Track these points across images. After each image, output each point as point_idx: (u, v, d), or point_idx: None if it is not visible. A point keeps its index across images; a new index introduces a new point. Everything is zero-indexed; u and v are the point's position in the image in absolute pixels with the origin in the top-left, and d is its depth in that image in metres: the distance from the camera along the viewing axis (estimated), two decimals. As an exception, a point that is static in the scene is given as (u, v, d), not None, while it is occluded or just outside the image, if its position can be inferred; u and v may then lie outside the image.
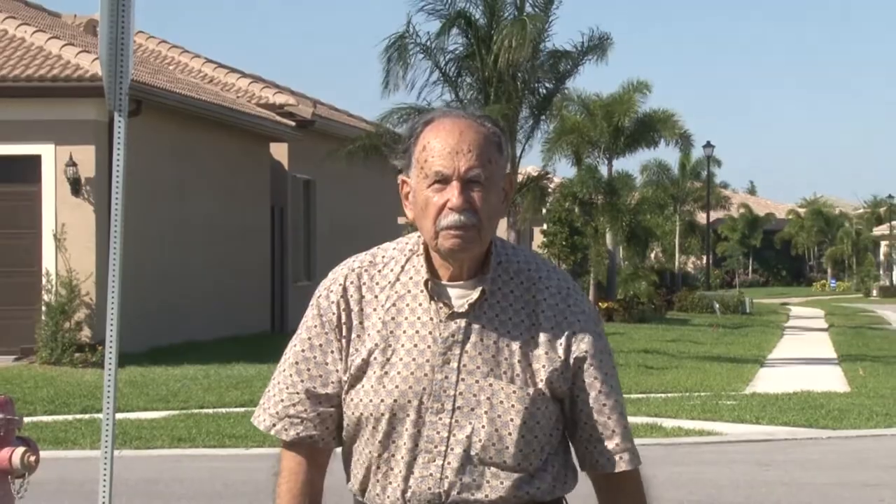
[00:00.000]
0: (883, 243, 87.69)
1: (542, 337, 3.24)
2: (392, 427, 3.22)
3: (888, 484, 12.25)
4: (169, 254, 24.74)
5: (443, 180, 3.18)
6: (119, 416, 12.30)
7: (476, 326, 3.22)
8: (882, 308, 60.75)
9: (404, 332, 3.25)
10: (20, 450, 6.57)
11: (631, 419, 14.12)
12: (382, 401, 3.22)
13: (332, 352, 3.31)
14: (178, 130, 25.27)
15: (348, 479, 3.36)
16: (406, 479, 3.22)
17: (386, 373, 3.23)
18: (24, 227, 22.47)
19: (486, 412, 3.19)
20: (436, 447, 3.20)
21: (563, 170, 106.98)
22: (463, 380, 3.20)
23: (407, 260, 3.32)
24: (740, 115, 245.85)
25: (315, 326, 3.34)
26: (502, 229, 32.11)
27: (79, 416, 16.08)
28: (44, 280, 22.16)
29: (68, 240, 22.19)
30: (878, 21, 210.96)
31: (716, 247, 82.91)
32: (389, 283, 3.30)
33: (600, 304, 41.93)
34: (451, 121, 3.24)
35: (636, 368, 24.65)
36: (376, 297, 3.29)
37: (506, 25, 28.22)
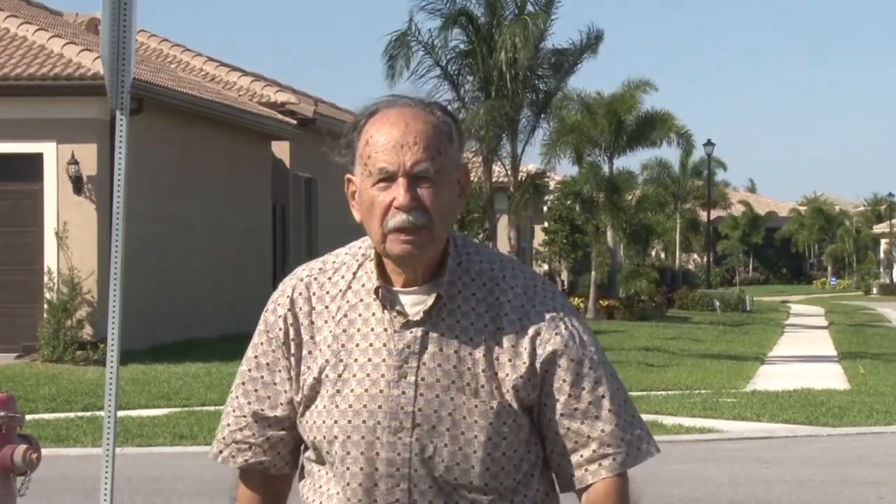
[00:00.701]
0: (883, 241, 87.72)
1: (506, 342, 2.92)
2: (347, 451, 2.92)
3: (888, 481, 12.27)
4: (170, 252, 24.77)
5: (388, 178, 2.87)
6: (120, 413, 12.33)
7: (434, 335, 2.91)
8: (882, 306, 60.75)
9: (357, 345, 2.94)
10: (22, 447, 6.59)
11: (631, 417, 13.63)
12: (336, 422, 2.92)
13: (280, 371, 3.03)
14: (180, 129, 25.29)
15: None
16: None
17: (338, 391, 2.93)
18: (26, 225, 22.50)
19: (448, 429, 2.89)
20: (398, 470, 2.90)
21: (564, 169, 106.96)
22: (422, 395, 2.89)
23: (359, 266, 3.01)
24: (741, 114, 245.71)
25: (262, 343, 3.07)
26: (503, 226, 32.13)
27: (80, 414, 16.10)
28: (46, 278, 22.19)
29: (70, 238, 22.22)
30: (879, 19, 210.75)
31: (716, 245, 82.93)
32: (340, 291, 3.00)
33: (601, 301, 41.98)
34: (396, 111, 2.92)
35: (637, 366, 24.67)
36: (327, 307, 2.99)
37: (507, 25, 28.26)
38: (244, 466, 3.09)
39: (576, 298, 42.67)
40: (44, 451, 6.96)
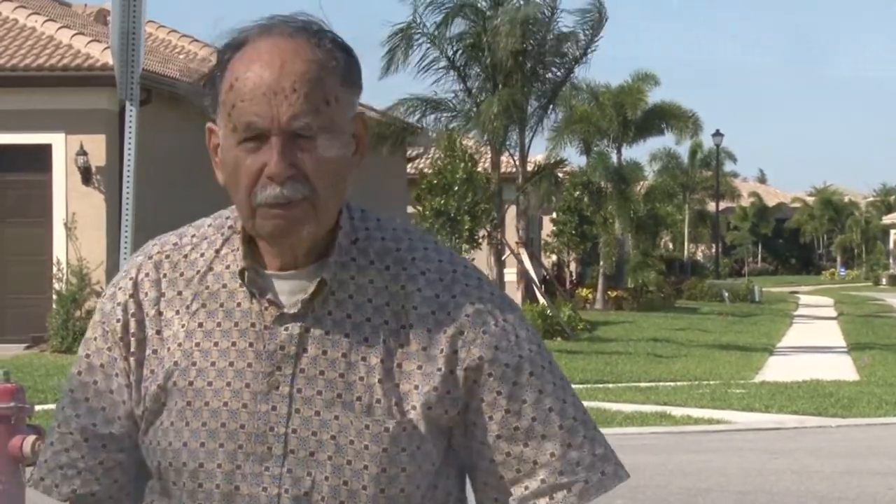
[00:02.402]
0: (892, 232, 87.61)
1: (414, 344, 2.21)
2: (198, 482, 2.22)
3: (897, 472, 12.27)
4: (179, 242, 24.83)
5: (258, 136, 2.14)
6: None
7: (316, 333, 2.20)
8: (891, 296, 60.69)
9: (215, 344, 2.23)
10: (31, 438, 6.61)
11: (640, 407, 14.07)
12: (185, 445, 2.21)
13: (118, 375, 2.29)
14: (189, 120, 25.28)
15: None
16: None
17: (189, 404, 2.22)
18: (35, 215, 22.55)
19: (329, 458, 2.18)
20: None
21: (572, 160, 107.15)
22: (297, 412, 2.19)
23: (224, 241, 2.30)
24: (751, 105, 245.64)
25: (95, 339, 2.32)
26: (511, 217, 32.13)
27: (89, 405, 16.12)
28: (55, 268, 22.23)
29: (79, 228, 22.26)
30: (891, 9, 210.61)
31: (726, 236, 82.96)
32: (198, 273, 2.28)
33: (609, 292, 42.01)
34: (270, 44, 2.16)
35: (645, 357, 24.69)
36: (180, 294, 2.28)
37: (505, 15, 28.37)
38: (71, 498, 2.38)
39: (584, 289, 42.72)
40: (53, 442, 6.96)
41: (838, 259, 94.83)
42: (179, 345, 2.25)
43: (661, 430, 15.03)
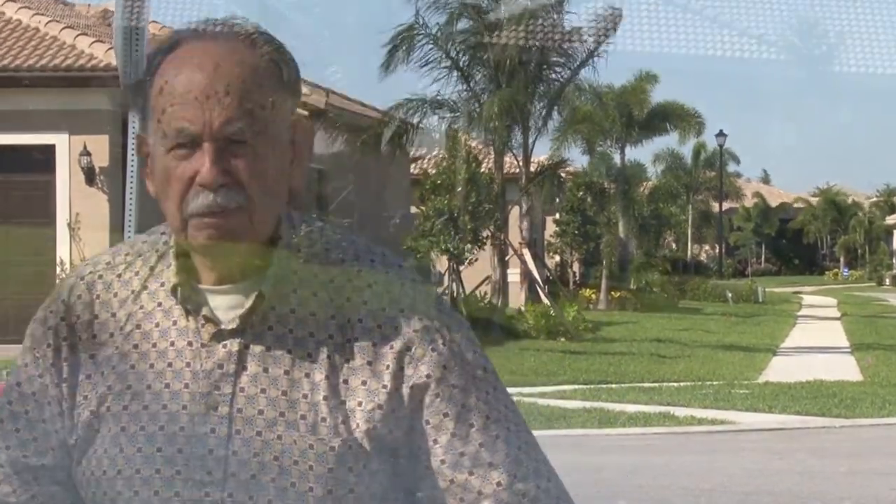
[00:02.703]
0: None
1: (359, 358, 2.08)
2: None
3: (900, 472, 12.27)
4: (182, 243, 24.85)
5: (190, 142, 2.03)
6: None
7: (256, 350, 2.09)
8: (895, 297, 60.67)
9: (151, 366, 2.11)
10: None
11: (644, 408, 14.07)
12: (119, 472, 2.09)
13: (50, 403, 2.17)
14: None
15: None
16: None
17: (123, 430, 2.10)
18: (39, 216, 22.57)
19: (272, 480, 2.06)
20: None
21: (574, 159, 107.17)
22: (238, 433, 2.07)
23: (160, 257, 2.18)
24: (754, 105, 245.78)
25: (26, 366, 2.21)
26: (514, 217, 32.15)
27: (93, 405, 16.14)
28: (58, 269, 22.24)
29: (82, 229, 22.28)
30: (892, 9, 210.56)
31: (729, 236, 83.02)
32: (133, 293, 2.16)
33: (612, 292, 42.03)
34: (204, 47, 2.06)
35: (648, 357, 24.68)
36: (114, 315, 2.16)
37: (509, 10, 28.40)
38: None
39: (587, 290, 42.74)
40: (57, 442, 6.97)
41: (842, 259, 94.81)
42: (113, 368, 2.13)
43: (665, 431, 15.03)
